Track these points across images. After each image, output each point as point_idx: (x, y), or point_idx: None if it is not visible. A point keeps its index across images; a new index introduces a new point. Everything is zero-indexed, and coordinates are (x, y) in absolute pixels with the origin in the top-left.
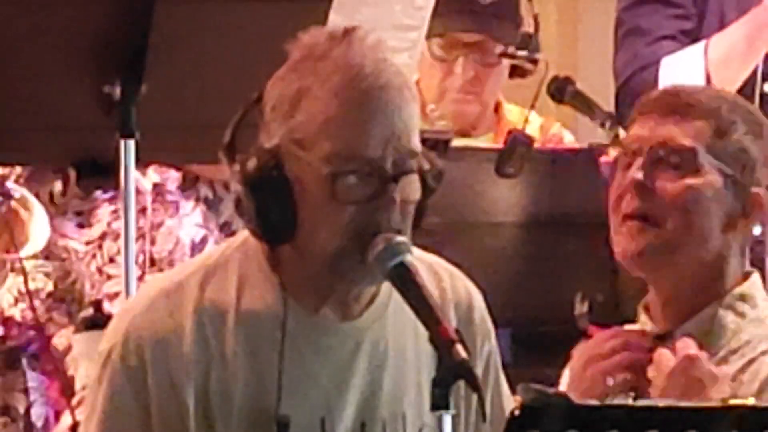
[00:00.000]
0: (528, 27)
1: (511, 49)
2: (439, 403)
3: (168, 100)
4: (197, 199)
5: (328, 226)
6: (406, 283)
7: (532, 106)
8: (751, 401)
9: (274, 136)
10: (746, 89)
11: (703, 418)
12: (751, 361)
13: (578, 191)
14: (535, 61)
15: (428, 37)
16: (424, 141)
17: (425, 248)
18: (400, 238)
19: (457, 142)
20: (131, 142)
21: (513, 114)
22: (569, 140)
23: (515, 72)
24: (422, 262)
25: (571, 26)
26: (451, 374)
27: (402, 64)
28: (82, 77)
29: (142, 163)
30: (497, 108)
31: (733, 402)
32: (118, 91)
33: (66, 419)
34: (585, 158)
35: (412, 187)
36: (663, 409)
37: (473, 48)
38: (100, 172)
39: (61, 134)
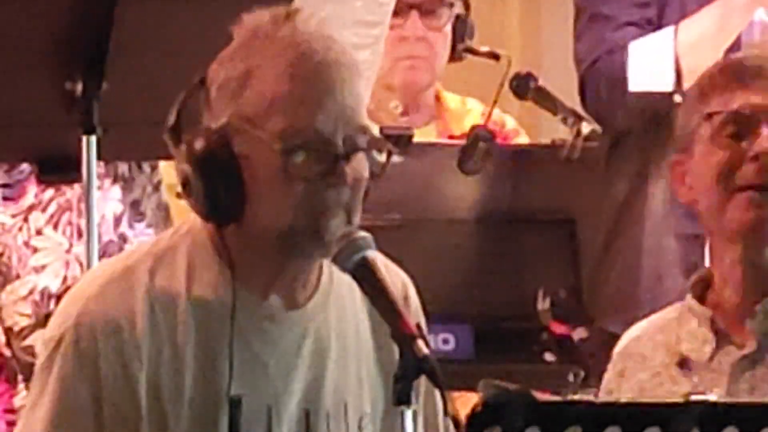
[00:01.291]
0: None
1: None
2: (401, 398)
3: (130, 96)
4: (116, 176)
5: (278, 203)
6: (368, 278)
7: (494, 103)
8: (712, 397)
9: (221, 115)
10: None
11: (665, 414)
12: None
13: (540, 187)
14: (497, 57)
15: None
16: (387, 136)
17: (386, 243)
18: (362, 234)
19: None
20: (93, 139)
21: (453, 102)
22: (511, 126)
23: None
24: None
25: (535, 22)
26: (414, 370)
27: (364, 61)
28: (43, 74)
29: (103, 159)
30: (437, 96)
31: (694, 398)
32: (79, 87)
33: None
34: (547, 154)
35: (362, 165)
36: (625, 405)
37: (419, 9)
38: (62, 169)
39: (23, 130)
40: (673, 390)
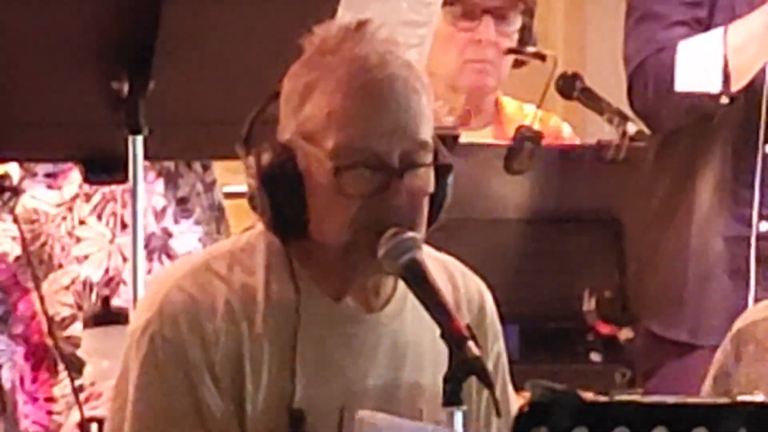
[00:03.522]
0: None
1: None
2: (451, 398)
3: (176, 96)
4: (160, 170)
5: (335, 220)
6: (417, 279)
7: (541, 103)
8: (759, 398)
9: (287, 130)
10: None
11: (712, 414)
12: None
13: (586, 187)
14: (543, 57)
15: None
16: (432, 137)
17: (433, 244)
18: (410, 234)
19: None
20: (139, 138)
21: (511, 107)
22: (568, 133)
23: (513, 63)
24: (436, 260)
25: (579, 22)
26: (463, 370)
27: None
28: (90, 73)
29: (149, 159)
30: (496, 101)
31: (741, 399)
32: (126, 87)
33: (74, 416)
34: (593, 155)
35: (421, 180)
36: (672, 406)
37: (493, 13)
38: (108, 169)
39: (70, 130)
40: None
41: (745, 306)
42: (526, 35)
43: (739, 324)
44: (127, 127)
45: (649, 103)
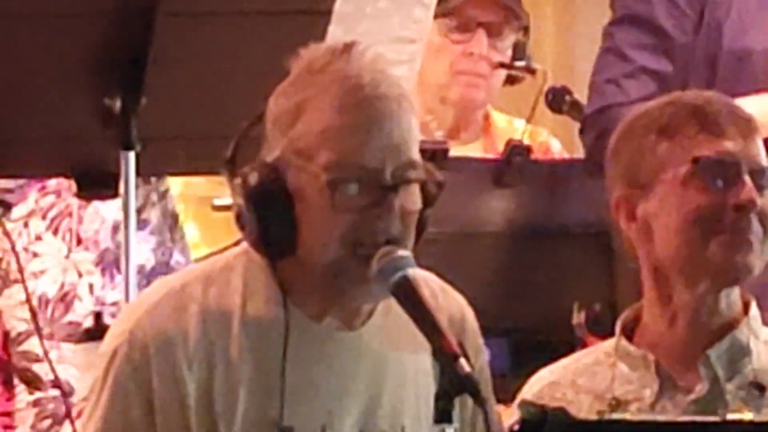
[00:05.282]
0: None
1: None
2: (442, 417)
3: (168, 112)
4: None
5: (327, 236)
6: (409, 297)
7: (530, 116)
8: (748, 416)
9: (275, 149)
10: None
11: None
12: None
13: (576, 201)
14: (532, 71)
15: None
16: (422, 151)
17: (422, 258)
18: (403, 252)
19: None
20: (131, 154)
21: (501, 121)
22: (557, 149)
23: (506, 79)
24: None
25: (568, 36)
26: (455, 388)
27: (401, 77)
28: (82, 89)
29: (142, 175)
30: (486, 115)
31: (731, 417)
32: (118, 103)
33: (66, 430)
34: (582, 168)
35: (411, 197)
36: (662, 424)
37: (487, 28)
38: (101, 184)
39: (62, 146)
40: None
41: None
42: (519, 52)
43: (533, 388)
44: (119, 143)
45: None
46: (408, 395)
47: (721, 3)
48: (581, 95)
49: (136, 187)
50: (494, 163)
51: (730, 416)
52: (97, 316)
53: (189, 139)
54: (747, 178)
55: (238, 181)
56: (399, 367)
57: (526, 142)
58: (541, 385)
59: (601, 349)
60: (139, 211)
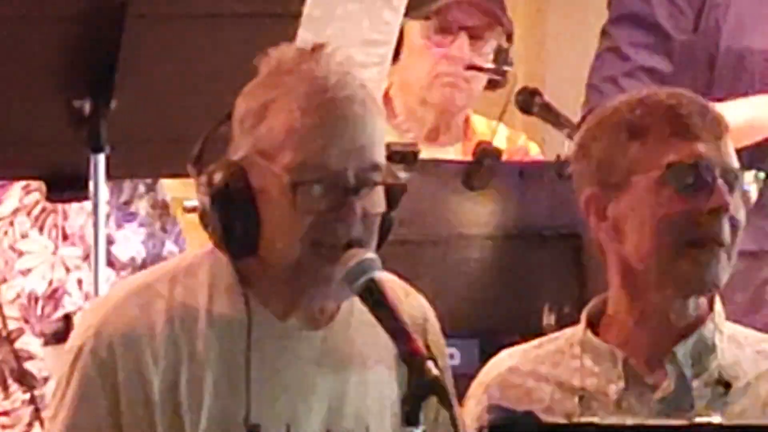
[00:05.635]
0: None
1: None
2: (410, 419)
3: (138, 115)
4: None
5: (289, 237)
6: (376, 299)
7: (501, 118)
8: (717, 419)
9: (241, 148)
10: None
11: None
12: (748, 385)
13: (546, 203)
14: (503, 73)
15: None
16: (393, 153)
17: (391, 260)
18: (370, 255)
19: (427, 153)
20: (101, 157)
21: (480, 125)
22: (535, 152)
23: (488, 84)
24: None
25: (538, 38)
26: (423, 391)
27: (370, 79)
28: (52, 92)
29: (111, 178)
30: (466, 118)
31: (699, 420)
32: (88, 105)
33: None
34: (552, 170)
35: (374, 200)
36: (630, 428)
37: (469, 32)
38: (71, 187)
39: (32, 149)
40: None
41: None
42: (501, 58)
43: (491, 372)
44: (89, 146)
45: None
46: (372, 395)
47: (720, 3)
48: (552, 97)
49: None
50: (464, 165)
51: (698, 419)
52: (66, 317)
53: (159, 142)
54: (720, 182)
55: (203, 179)
56: (363, 367)
57: (502, 145)
58: (499, 370)
59: (563, 337)
60: (126, 204)
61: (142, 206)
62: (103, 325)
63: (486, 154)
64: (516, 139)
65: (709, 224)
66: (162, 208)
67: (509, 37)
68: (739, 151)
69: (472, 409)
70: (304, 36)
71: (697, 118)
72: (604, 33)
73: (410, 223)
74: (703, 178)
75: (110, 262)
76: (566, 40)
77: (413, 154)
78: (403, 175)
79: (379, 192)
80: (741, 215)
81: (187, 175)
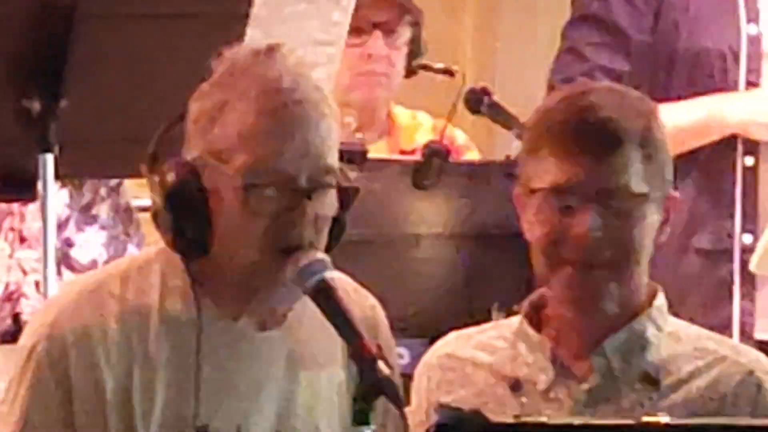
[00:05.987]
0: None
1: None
2: (361, 419)
3: (87, 115)
4: (63, 181)
5: (241, 239)
6: (327, 300)
7: (449, 118)
8: (664, 419)
9: (194, 149)
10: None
11: None
12: (680, 382)
13: (495, 202)
14: (451, 73)
15: None
16: (341, 153)
17: (341, 260)
18: (320, 255)
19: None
20: (50, 157)
21: (403, 117)
22: (462, 140)
23: (406, 73)
24: None
25: (489, 37)
26: (374, 390)
27: (319, 79)
28: (1, 92)
29: (61, 178)
30: (388, 112)
31: (647, 420)
32: (36, 105)
33: None
34: (502, 170)
35: (326, 203)
36: (578, 427)
37: (382, 27)
38: (19, 187)
39: None
40: (498, 411)
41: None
42: (415, 47)
43: (434, 354)
44: (37, 146)
45: None
46: (323, 395)
47: (678, 3)
48: (501, 96)
49: (83, 182)
50: (413, 164)
51: (646, 418)
52: (15, 317)
53: (108, 142)
54: (593, 206)
55: (156, 179)
56: (313, 368)
57: (428, 135)
58: (444, 352)
59: (506, 325)
60: (88, 207)
61: (104, 210)
62: (55, 325)
63: (435, 153)
64: (441, 128)
65: (576, 247)
66: (125, 213)
67: (418, 25)
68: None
69: (417, 387)
70: (253, 36)
71: (587, 136)
72: (563, 34)
73: (359, 223)
74: (576, 201)
75: (70, 266)
76: (517, 39)
77: (362, 153)
78: (352, 174)
79: (332, 195)
80: (622, 233)
81: (137, 175)
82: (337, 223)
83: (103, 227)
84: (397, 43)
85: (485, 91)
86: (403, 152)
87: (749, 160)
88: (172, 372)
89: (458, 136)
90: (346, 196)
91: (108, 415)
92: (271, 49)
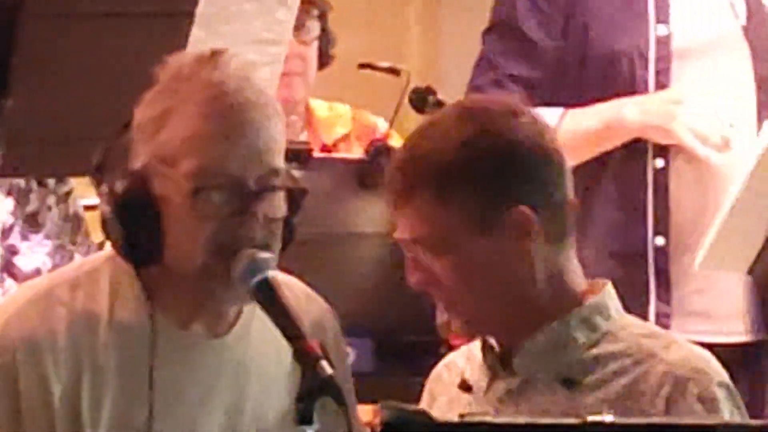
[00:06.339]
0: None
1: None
2: (303, 419)
3: (33, 114)
4: (9, 189)
5: (191, 243)
6: (270, 299)
7: (394, 117)
8: (609, 418)
9: (141, 156)
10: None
11: None
12: (602, 381)
13: None
14: (396, 72)
15: None
16: (286, 152)
17: (287, 259)
18: (264, 255)
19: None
20: None
21: (321, 110)
22: (383, 128)
23: (319, 66)
24: (281, 282)
25: (434, 36)
26: (316, 390)
27: (263, 79)
28: None
29: (4, 176)
30: (306, 106)
31: (591, 419)
32: None
33: None
34: None
35: (275, 205)
36: (524, 426)
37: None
38: None
39: None
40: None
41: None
42: (324, 39)
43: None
44: None
45: None
46: (272, 400)
47: (588, 7)
48: (447, 95)
49: (29, 190)
50: (358, 163)
51: (591, 418)
52: None
53: (54, 141)
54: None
55: (104, 188)
56: (263, 373)
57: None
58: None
59: None
60: (33, 215)
61: (50, 217)
62: (4, 331)
63: (379, 152)
64: (363, 119)
65: None
66: (74, 221)
67: (325, 15)
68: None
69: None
70: (198, 35)
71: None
72: (481, 41)
73: (304, 222)
74: None
75: (12, 274)
76: (461, 38)
77: (307, 152)
78: (297, 173)
79: (280, 196)
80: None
81: (82, 174)
82: (287, 225)
83: (48, 236)
84: (306, 39)
85: (430, 90)
86: (324, 146)
87: (659, 162)
88: (122, 380)
89: (380, 124)
90: (295, 198)
91: (56, 423)
92: (215, 55)
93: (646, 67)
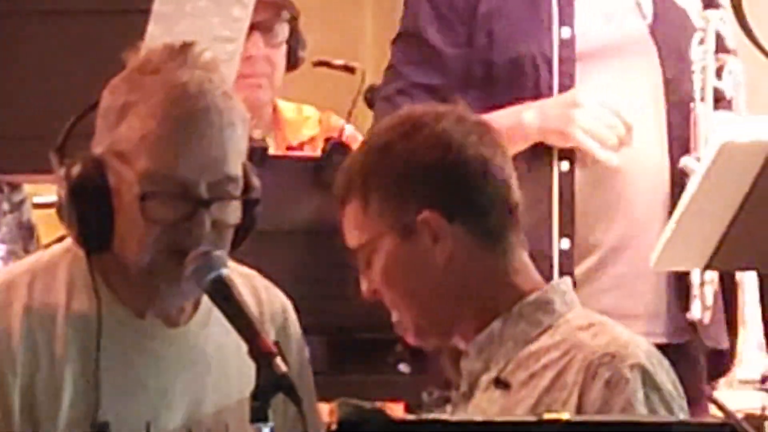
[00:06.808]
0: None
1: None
2: (258, 415)
3: None
4: None
5: (138, 241)
6: (224, 296)
7: (350, 115)
8: (565, 416)
9: (101, 144)
10: None
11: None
12: (532, 376)
13: None
14: (352, 70)
15: None
16: None
17: (243, 256)
18: (217, 252)
19: None
20: None
21: (289, 111)
22: (350, 131)
23: (288, 67)
24: (240, 275)
25: (388, 35)
26: (271, 387)
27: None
28: None
29: None
30: (274, 107)
31: (548, 416)
32: None
33: None
34: None
35: (227, 212)
36: (480, 424)
37: (259, 27)
38: None
39: None
40: None
41: None
42: (294, 42)
43: None
44: None
45: None
46: (232, 392)
47: (492, 13)
48: None
49: None
50: (314, 161)
51: (547, 416)
52: None
53: (8, 139)
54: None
55: (62, 171)
56: (222, 364)
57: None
58: None
59: None
60: None
61: (5, 223)
62: None
63: (335, 150)
64: (328, 120)
65: None
66: (27, 229)
67: (296, 19)
68: None
69: None
70: (154, 32)
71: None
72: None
73: (261, 219)
74: None
75: None
76: None
77: (262, 150)
78: (255, 179)
79: (233, 204)
80: None
81: (42, 172)
82: (241, 230)
83: (2, 241)
84: (275, 42)
85: None
86: (290, 147)
87: (565, 165)
88: (78, 371)
89: (346, 127)
90: (250, 206)
91: (13, 420)
92: (185, 47)
93: (550, 71)
